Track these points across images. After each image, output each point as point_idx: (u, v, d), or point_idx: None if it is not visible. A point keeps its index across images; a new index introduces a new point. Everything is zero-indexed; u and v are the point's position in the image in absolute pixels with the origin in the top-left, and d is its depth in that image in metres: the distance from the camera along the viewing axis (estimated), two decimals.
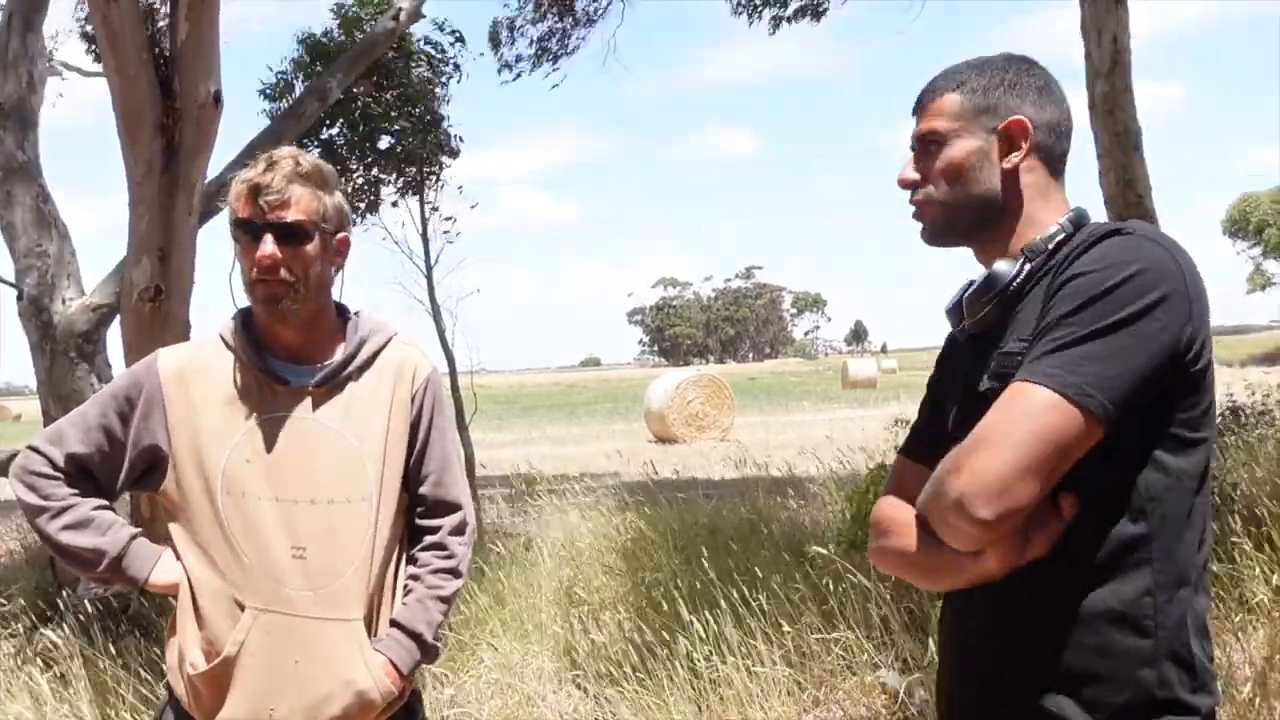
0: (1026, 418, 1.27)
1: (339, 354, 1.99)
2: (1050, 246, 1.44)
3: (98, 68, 4.98)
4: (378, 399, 1.99)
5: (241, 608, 1.87)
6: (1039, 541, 1.33)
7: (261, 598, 1.86)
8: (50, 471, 1.92)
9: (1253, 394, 8.11)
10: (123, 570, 1.92)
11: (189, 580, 1.91)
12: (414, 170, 10.54)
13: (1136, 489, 1.32)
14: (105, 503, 1.96)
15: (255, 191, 1.88)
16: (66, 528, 1.90)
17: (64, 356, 6.07)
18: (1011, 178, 1.48)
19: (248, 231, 1.89)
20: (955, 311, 1.56)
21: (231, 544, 1.87)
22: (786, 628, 4.31)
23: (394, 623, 1.97)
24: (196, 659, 1.88)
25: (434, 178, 10.67)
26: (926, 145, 1.52)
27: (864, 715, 3.93)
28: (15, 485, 1.95)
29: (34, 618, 5.27)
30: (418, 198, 10.61)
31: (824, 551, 4.73)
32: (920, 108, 1.54)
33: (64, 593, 5.42)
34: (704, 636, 4.19)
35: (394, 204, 10.66)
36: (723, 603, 4.40)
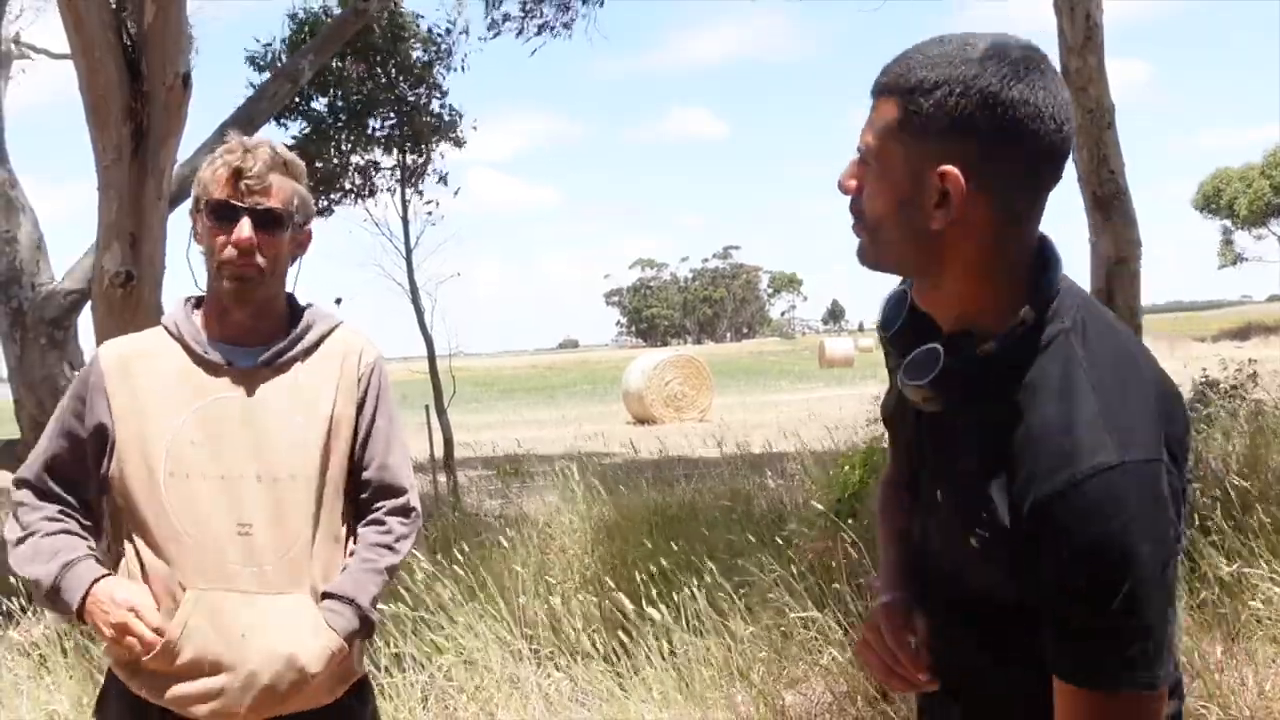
0: None
1: (284, 337, 2.02)
2: (1008, 344, 1.23)
3: (67, 49, 4.91)
4: (324, 381, 2.01)
5: (183, 588, 1.88)
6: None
7: (204, 577, 1.88)
8: (34, 501, 1.98)
9: (1225, 368, 8.20)
10: (60, 599, 1.89)
11: (140, 565, 1.92)
12: (413, 157, 10.59)
13: None
14: (67, 525, 1.96)
15: (237, 175, 1.92)
16: (21, 559, 1.94)
17: (34, 343, 6.00)
18: (940, 237, 1.22)
19: (225, 213, 1.93)
20: (890, 334, 1.39)
21: (173, 524, 1.89)
22: (766, 601, 4.33)
23: (326, 594, 1.97)
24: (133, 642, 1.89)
25: (431, 170, 10.74)
26: (863, 159, 1.28)
27: (844, 692, 3.96)
28: (9, 528, 2.00)
29: (12, 606, 5.24)
30: (412, 186, 10.65)
31: (806, 530, 4.76)
32: (872, 93, 1.27)
33: None
34: (684, 614, 4.20)
35: (390, 190, 10.68)
36: (706, 577, 4.42)
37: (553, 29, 11.38)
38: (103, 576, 1.90)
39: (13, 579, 5.51)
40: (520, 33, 11.33)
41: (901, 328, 1.38)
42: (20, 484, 2.01)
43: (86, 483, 1.98)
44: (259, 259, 1.94)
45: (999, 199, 1.21)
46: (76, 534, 1.97)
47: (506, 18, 11.28)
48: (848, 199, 1.32)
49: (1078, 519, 1.15)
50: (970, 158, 1.18)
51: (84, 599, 1.88)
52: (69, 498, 1.99)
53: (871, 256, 1.31)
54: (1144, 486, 1.16)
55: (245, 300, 1.97)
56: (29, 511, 1.97)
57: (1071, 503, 1.15)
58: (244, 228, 1.92)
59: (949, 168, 1.18)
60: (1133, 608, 1.15)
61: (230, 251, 1.92)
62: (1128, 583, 1.14)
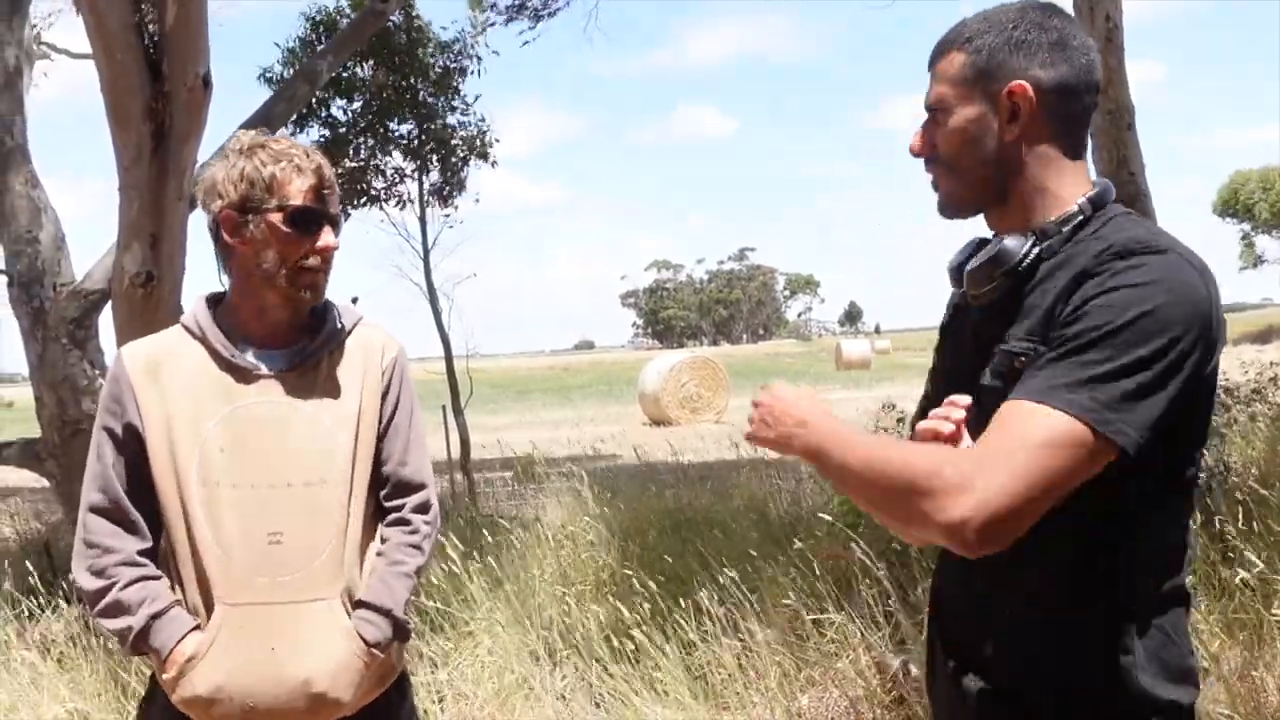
0: (1052, 452, 1.21)
1: (309, 338, 2.00)
2: (1066, 229, 1.38)
3: (87, 49, 4.94)
4: (349, 378, 2.00)
5: (212, 601, 1.87)
6: None
7: (234, 591, 1.86)
8: (106, 540, 1.90)
9: (1246, 372, 8.15)
10: (147, 644, 1.88)
11: (174, 573, 1.92)
12: (442, 174, 10.72)
13: (1125, 506, 1.31)
14: (145, 570, 1.91)
15: (321, 183, 1.92)
16: (104, 614, 1.90)
17: (55, 343, 6.04)
18: (1014, 149, 1.41)
19: (312, 221, 1.91)
20: (957, 274, 1.51)
21: (203, 536, 1.86)
22: (780, 607, 4.32)
23: (361, 602, 1.95)
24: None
25: (459, 180, 10.86)
26: (934, 114, 1.46)
27: (860, 695, 3.94)
28: (78, 570, 1.93)
29: (32, 603, 5.27)
30: (444, 201, 10.74)
31: (820, 528, 4.75)
32: (931, 65, 1.48)
33: (62, 578, 5.41)
34: (699, 618, 4.20)
35: (410, 200, 10.77)
36: (719, 579, 4.41)
37: (539, 16, 11.37)
38: (194, 628, 1.89)
39: (30, 579, 5.55)
40: (510, 21, 11.33)
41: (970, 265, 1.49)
42: (93, 511, 1.91)
43: (149, 492, 1.92)
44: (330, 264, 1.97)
45: (1056, 112, 1.40)
46: (154, 578, 1.92)
47: (493, 6, 11.29)
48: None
49: (1116, 272, 1.27)
50: (1031, 70, 1.39)
51: (175, 646, 1.87)
52: (141, 520, 1.93)
53: (954, 197, 1.47)
54: (1187, 274, 1.27)
55: (310, 305, 1.97)
56: (102, 556, 1.90)
57: (1113, 265, 1.28)
58: (329, 235, 1.92)
59: (1017, 83, 1.39)
60: (1126, 349, 1.23)
61: (315, 260, 1.92)
62: (1134, 328, 1.23)
